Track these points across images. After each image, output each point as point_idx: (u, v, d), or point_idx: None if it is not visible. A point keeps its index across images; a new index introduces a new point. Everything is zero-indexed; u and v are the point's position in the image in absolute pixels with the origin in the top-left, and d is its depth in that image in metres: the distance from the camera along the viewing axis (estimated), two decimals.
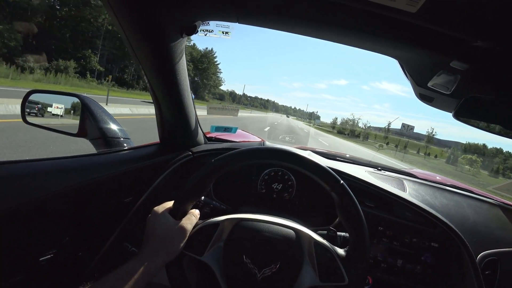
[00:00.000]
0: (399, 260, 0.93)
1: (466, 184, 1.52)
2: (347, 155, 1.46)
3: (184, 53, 0.79)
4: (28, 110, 1.10)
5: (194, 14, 0.63)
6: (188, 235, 0.62)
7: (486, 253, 0.98)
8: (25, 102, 1.08)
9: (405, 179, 1.21)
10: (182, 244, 0.61)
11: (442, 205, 1.08)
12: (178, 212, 0.65)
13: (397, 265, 0.93)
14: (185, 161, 1.01)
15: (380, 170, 1.26)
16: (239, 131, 1.55)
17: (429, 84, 0.65)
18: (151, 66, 0.74)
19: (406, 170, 1.42)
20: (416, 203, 0.93)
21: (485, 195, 1.30)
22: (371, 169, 1.23)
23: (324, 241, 0.63)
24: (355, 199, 0.62)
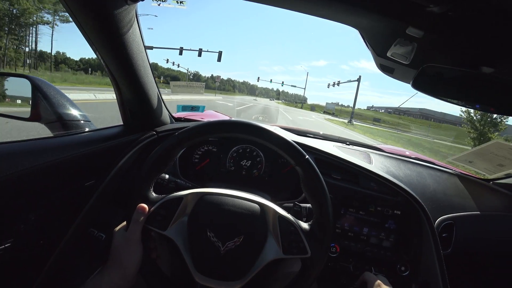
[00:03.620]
0: (365, 228, 0.98)
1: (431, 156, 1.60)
2: (320, 132, 1.48)
3: (137, 25, 0.73)
4: None
5: None
6: (136, 243, 0.61)
7: (444, 217, 1.05)
8: None
9: (372, 152, 1.25)
10: (134, 257, 0.61)
11: (405, 176, 1.14)
12: (140, 194, 0.63)
13: (363, 233, 0.97)
14: (150, 141, 0.98)
15: (348, 144, 1.29)
16: (208, 111, 1.51)
17: (388, 54, 0.66)
18: (100, 39, 0.68)
19: (374, 145, 1.47)
20: (380, 174, 0.96)
21: (445, 166, 1.38)
22: (339, 144, 1.26)
23: (288, 215, 0.63)
24: (320, 174, 0.62)
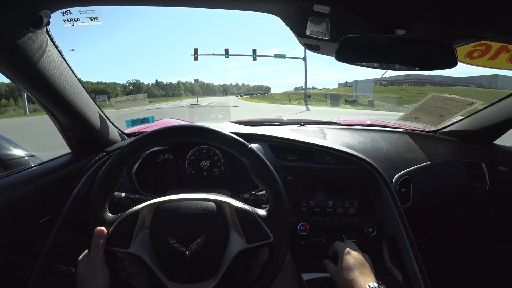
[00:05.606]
0: (329, 201, 1.02)
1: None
2: (283, 118, 1.51)
3: (53, 48, 0.70)
4: None
5: (30, 3, 0.55)
6: (100, 268, 0.60)
7: (400, 174, 1.13)
8: None
9: (326, 128, 1.31)
10: (100, 282, 0.59)
11: (359, 143, 1.20)
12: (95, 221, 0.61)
13: (329, 206, 1.02)
14: (101, 163, 0.95)
15: (303, 125, 1.34)
16: (163, 120, 1.49)
17: (307, 33, 0.69)
18: (13, 70, 0.65)
19: (330, 120, 1.53)
20: (332, 146, 1.01)
21: (396, 126, 1.48)
22: (295, 126, 1.30)
23: (244, 206, 0.64)
24: (265, 160, 0.64)
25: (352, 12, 0.66)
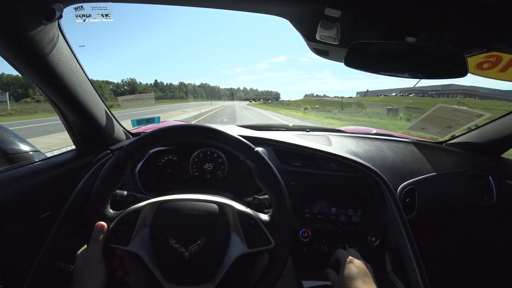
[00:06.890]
0: (333, 208, 1.01)
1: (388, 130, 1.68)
2: (288, 124, 1.51)
3: (64, 42, 0.71)
4: None
5: None
6: (97, 263, 0.59)
7: (404, 184, 1.11)
8: None
9: (332, 135, 1.30)
10: (96, 278, 0.59)
11: (365, 151, 1.19)
12: (97, 213, 0.61)
13: (332, 213, 1.01)
14: (105, 161, 0.94)
15: (308, 131, 1.33)
16: (167, 121, 1.49)
17: (317, 37, 0.69)
18: (22, 62, 0.66)
19: (336, 128, 1.52)
20: (337, 153, 1.00)
21: (401, 136, 1.46)
22: (299, 132, 1.29)
23: (247, 209, 0.63)
24: (271, 164, 0.63)
25: (364, 17, 0.65)
